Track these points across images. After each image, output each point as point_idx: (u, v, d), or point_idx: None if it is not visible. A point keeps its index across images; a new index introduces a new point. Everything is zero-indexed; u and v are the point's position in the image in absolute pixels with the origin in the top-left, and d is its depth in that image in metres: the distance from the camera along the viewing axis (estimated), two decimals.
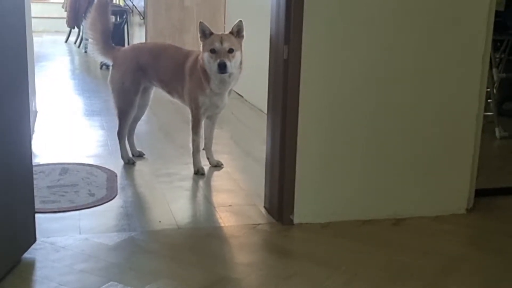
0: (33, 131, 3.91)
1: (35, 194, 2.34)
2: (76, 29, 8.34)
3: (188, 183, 3.11)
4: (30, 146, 2.26)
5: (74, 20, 7.83)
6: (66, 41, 8.76)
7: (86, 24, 3.50)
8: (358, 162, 2.60)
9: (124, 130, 3.37)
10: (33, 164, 2.93)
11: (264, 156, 2.73)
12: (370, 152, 2.61)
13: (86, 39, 7.74)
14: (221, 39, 2.96)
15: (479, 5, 2.58)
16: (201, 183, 3.12)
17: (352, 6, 2.45)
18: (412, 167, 2.67)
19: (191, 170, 3.24)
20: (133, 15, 7.04)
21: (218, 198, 2.89)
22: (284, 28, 2.44)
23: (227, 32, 3.06)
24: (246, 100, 5.10)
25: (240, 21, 3.02)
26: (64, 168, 3.20)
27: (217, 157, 3.41)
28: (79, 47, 8.20)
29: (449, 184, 2.73)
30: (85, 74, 6.50)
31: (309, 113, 2.49)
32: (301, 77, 2.44)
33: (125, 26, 7.04)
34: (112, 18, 3.45)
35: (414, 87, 2.59)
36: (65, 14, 8.12)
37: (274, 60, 2.57)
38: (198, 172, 3.20)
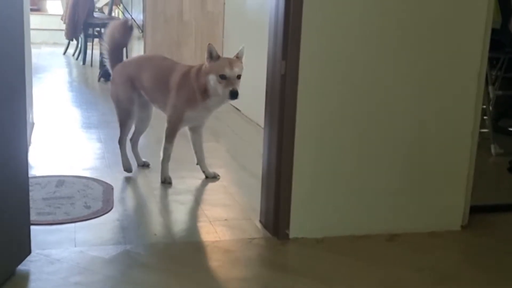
0: (30, 142, 3.91)
1: (31, 206, 2.34)
2: (74, 41, 8.36)
3: (184, 197, 3.11)
4: (26, 158, 2.27)
5: (72, 32, 7.85)
6: (64, 53, 8.78)
7: (104, 36, 3.59)
8: (354, 178, 2.61)
9: (124, 138, 3.44)
10: (30, 176, 2.94)
11: (261, 170, 2.74)
12: (366, 168, 2.62)
13: (85, 52, 7.79)
14: (231, 64, 3.00)
15: (475, 23, 2.61)
16: (197, 196, 3.13)
17: (350, 22, 2.48)
18: (407, 183, 2.68)
19: (187, 183, 3.25)
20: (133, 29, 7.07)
21: (214, 212, 2.90)
22: (281, 44, 2.46)
23: (233, 56, 3.09)
24: (243, 114, 5.11)
25: (243, 47, 3.07)
26: (60, 180, 3.20)
27: (213, 171, 3.42)
28: (77, 59, 8.22)
29: (444, 200, 2.75)
30: (83, 86, 6.51)
31: (306, 128, 2.50)
32: (298, 93, 2.46)
33: None
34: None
35: (410, 104, 2.61)
36: (63, 26, 8.15)
37: (271, 75, 2.58)
38: (165, 181, 3.24)
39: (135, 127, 3.53)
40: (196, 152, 3.37)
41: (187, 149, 3.40)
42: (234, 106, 5.36)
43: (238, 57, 3.05)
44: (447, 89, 2.64)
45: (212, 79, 3.01)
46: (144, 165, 3.53)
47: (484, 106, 4.26)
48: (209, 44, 3.07)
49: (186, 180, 3.29)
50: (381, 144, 2.61)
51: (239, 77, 3.02)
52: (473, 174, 2.81)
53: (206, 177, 3.36)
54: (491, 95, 4.33)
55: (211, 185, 3.29)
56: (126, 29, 3.54)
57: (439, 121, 2.66)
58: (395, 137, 2.62)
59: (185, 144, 3.40)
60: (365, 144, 2.60)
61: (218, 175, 3.38)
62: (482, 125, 4.25)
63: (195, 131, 3.33)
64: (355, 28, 2.49)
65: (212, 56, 3.04)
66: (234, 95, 2.98)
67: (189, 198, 3.10)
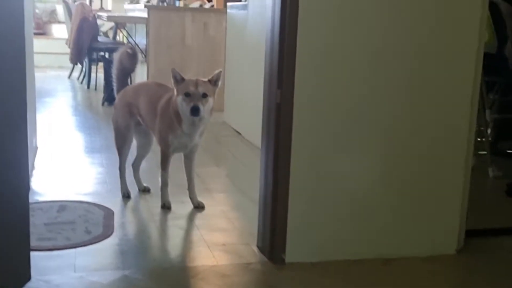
0: (33, 167, 3.97)
1: (32, 231, 2.39)
2: (79, 65, 8.45)
3: (184, 222, 3.16)
4: (27, 183, 2.32)
5: (77, 56, 7.94)
6: (69, 77, 8.87)
7: (114, 62, 3.69)
8: (349, 203, 2.66)
9: (123, 165, 3.52)
10: (32, 201, 2.99)
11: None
12: (360, 193, 2.66)
13: (89, 76, 7.88)
14: (196, 83, 3.06)
15: (467, 47, 2.66)
16: (196, 221, 3.17)
17: (344, 52, 2.54)
18: (401, 208, 2.72)
19: (186, 208, 3.30)
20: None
21: (213, 237, 2.94)
22: (277, 73, 2.52)
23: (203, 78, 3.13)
24: (244, 138, 5.17)
25: (220, 71, 3.13)
26: (62, 206, 3.25)
27: (213, 195, 3.47)
28: (81, 83, 8.31)
29: (438, 224, 2.78)
30: (87, 110, 6.59)
31: (301, 155, 2.56)
32: (293, 121, 2.51)
33: None
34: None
35: (404, 130, 2.66)
36: (68, 50, 8.25)
37: (267, 103, 2.64)
38: (164, 206, 3.28)
39: (137, 152, 3.61)
40: (187, 178, 3.38)
41: None
42: (235, 130, 5.43)
43: (211, 80, 3.10)
44: (440, 115, 2.69)
45: (179, 99, 3.07)
46: (145, 190, 3.58)
47: (482, 128, 4.31)
48: (172, 69, 3.14)
49: (186, 205, 3.33)
50: (375, 169, 2.66)
51: (204, 95, 3.05)
52: (467, 198, 2.85)
53: (193, 205, 3.35)
54: (488, 119, 4.37)
55: (210, 210, 3.33)
56: (133, 55, 3.61)
57: (432, 146, 2.71)
58: (389, 163, 2.67)
59: None
60: (360, 170, 2.65)
61: (203, 206, 3.34)
62: (481, 147, 4.30)
63: (187, 156, 3.35)
64: (350, 58, 2.55)
65: (177, 79, 3.10)
66: (194, 110, 3.01)
67: (188, 223, 3.15)
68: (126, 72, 3.69)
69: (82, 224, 3.00)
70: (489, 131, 4.65)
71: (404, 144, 2.68)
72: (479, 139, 4.19)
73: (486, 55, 2.84)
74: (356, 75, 2.57)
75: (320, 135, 2.57)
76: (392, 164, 2.68)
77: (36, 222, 2.94)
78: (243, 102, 5.23)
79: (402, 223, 2.74)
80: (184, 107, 3.05)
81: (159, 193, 3.31)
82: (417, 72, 2.63)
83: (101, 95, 6.93)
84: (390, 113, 2.64)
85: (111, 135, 3.56)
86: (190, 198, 3.37)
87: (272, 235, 2.64)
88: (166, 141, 3.22)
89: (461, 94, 2.70)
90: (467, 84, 2.70)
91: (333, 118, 2.58)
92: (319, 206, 2.64)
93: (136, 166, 3.61)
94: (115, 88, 3.65)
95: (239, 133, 5.32)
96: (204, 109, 3.05)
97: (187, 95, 3.04)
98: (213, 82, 3.10)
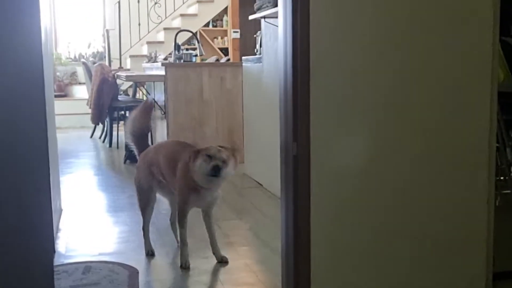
0: (59, 229, 4.02)
1: None
2: (100, 125, 8.60)
3: (208, 277, 3.16)
4: (52, 247, 2.34)
5: (98, 117, 8.10)
6: (91, 136, 9.02)
7: (126, 124, 3.74)
8: (372, 254, 2.64)
9: (146, 225, 3.56)
10: (57, 263, 3.01)
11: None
12: (383, 241, 2.65)
13: (111, 135, 8.00)
14: (219, 150, 3.09)
15: (482, 89, 2.67)
16: (220, 276, 3.17)
17: (359, 100, 2.56)
18: (424, 256, 2.69)
19: (210, 263, 3.31)
20: (154, 109, 7.29)
21: None
22: (292, 126, 2.55)
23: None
24: (265, 189, 5.18)
25: (238, 144, 3.14)
26: (87, 267, 3.27)
27: (236, 249, 3.47)
28: (103, 141, 8.44)
29: (464, 268, 2.74)
30: (109, 169, 6.68)
31: (320, 206, 2.56)
32: (311, 173, 2.53)
33: None
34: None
35: (422, 175, 2.66)
36: (89, 110, 8.41)
37: (284, 156, 2.67)
38: (183, 266, 3.26)
39: (171, 208, 3.67)
40: (208, 233, 3.38)
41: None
42: (256, 181, 5.45)
43: (233, 148, 3.14)
44: (458, 157, 2.69)
45: (199, 161, 3.06)
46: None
47: (504, 167, 4.27)
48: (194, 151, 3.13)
49: (210, 260, 3.34)
50: (396, 218, 2.65)
51: (225, 162, 3.05)
52: (492, 240, 2.81)
53: (217, 260, 3.35)
54: (509, 157, 4.34)
55: (234, 264, 3.33)
56: (146, 111, 3.67)
57: (452, 189, 2.69)
58: (410, 211, 2.66)
59: None
60: (381, 218, 2.64)
61: (227, 260, 3.34)
62: (505, 187, 4.25)
63: (206, 212, 3.35)
64: (365, 107, 2.57)
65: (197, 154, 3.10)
66: (216, 169, 3.02)
67: (212, 279, 3.15)
68: (143, 132, 3.72)
69: (108, 285, 3.01)
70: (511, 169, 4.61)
71: (423, 191, 2.67)
72: (502, 177, 4.15)
73: (504, 94, 2.83)
74: (373, 124, 2.59)
75: (339, 186, 2.58)
76: (413, 212, 2.67)
77: (62, 285, 2.96)
78: (263, 153, 5.26)
79: (426, 271, 2.70)
80: (203, 168, 3.05)
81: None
82: (433, 115, 2.64)
83: (122, 153, 7.02)
84: (408, 159, 2.64)
85: (134, 194, 3.60)
86: (213, 253, 3.37)
87: (296, 287, 2.63)
88: (187, 201, 3.22)
89: (478, 134, 2.69)
90: (484, 122, 2.69)
91: (352, 171, 2.58)
92: (342, 256, 2.63)
93: (172, 221, 3.66)
94: (136, 152, 3.68)
95: (261, 184, 5.34)
96: (225, 171, 3.06)
97: (209, 157, 3.06)
98: (232, 152, 3.12)
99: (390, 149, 2.62)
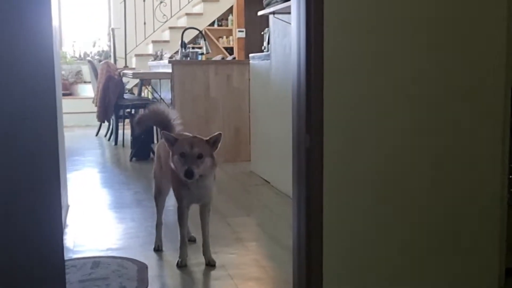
0: (66, 225, 4.00)
1: None
2: (106, 123, 8.58)
3: (217, 272, 3.13)
4: (61, 241, 2.33)
5: (104, 115, 8.08)
6: (97, 135, 9.01)
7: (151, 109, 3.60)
8: (385, 248, 2.61)
9: (159, 217, 3.52)
10: (66, 258, 3.00)
11: (292, 243, 2.76)
12: (397, 239, 2.62)
13: (116, 133, 7.98)
14: (191, 143, 2.96)
15: (496, 89, 2.64)
16: (230, 271, 3.14)
17: (372, 94, 2.54)
18: (437, 252, 2.66)
19: (220, 258, 3.28)
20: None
21: (247, 287, 2.91)
22: (305, 117, 2.52)
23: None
24: (272, 186, 5.16)
25: (220, 133, 3.02)
26: (96, 262, 3.25)
27: (244, 244, 3.44)
28: (109, 140, 8.43)
29: (477, 263, 2.72)
30: (115, 166, 6.66)
31: (333, 200, 2.53)
32: (324, 166, 2.50)
33: None
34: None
35: (437, 171, 2.63)
36: (95, 109, 8.40)
37: (296, 149, 2.64)
38: (178, 264, 3.21)
39: None
40: (201, 232, 3.28)
41: (222, 224, 3.44)
42: (263, 179, 5.43)
43: (209, 140, 3.00)
44: (472, 160, 2.65)
45: (175, 159, 2.97)
46: (190, 240, 3.55)
47: None
48: (162, 132, 3.07)
49: (219, 255, 3.31)
50: (411, 215, 2.62)
51: (200, 156, 2.94)
52: (505, 235, 2.79)
53: (205, 262, 3.25)
54: None
55: (243, 260, 3.31)
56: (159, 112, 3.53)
57: (466, 188, 2.67)
58: (424, 206, 2.63)
59: (220, 219, 3.44)
60: (394, 214, 2.61)
61: (215, 263, 3.22)
62: None
63: (201, 211, 3.27)
64: (378, 101, 2.55)
65: (171, 141, 3.01)
66: (188, 174, 2.90)
67: (222, 273, 3.12)
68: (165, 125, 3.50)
69: (116, 279, 2.99)
70: None
71: (437, 188, 2.63)
72: None
73: None
74: (387, 118, 2.56)
75: (352, 180, 2.55)
76: (427, 208, 2.64)
77: (70, 279, 2.94)
78: (270, 151, 5.24)
79: (439, 267, 2.68)
80: (179, 168, 2.96)
81: (189, 245, 3.29)
82: (447, 113, 2.61)
83: (128, 151, 7.01)
84: (422, 155, 2.61)
85: (141, 190, 3.60)
86: (203, 253, 3.26)
87: (308, 284, 2.60)
88: (180, 195, 3.16)
89: (491, 134, 2.66)
90: (497, 122, 2.67)
91: (366, 164, 2.55)
92: (355, 253, 2.60)
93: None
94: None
95: (268, 182, 5.32)
96: (199, 170, 2.94)
97: (182, 155, 2.94)
98: (211, 143, 3.00)
99: (404, 144, 2.59)
